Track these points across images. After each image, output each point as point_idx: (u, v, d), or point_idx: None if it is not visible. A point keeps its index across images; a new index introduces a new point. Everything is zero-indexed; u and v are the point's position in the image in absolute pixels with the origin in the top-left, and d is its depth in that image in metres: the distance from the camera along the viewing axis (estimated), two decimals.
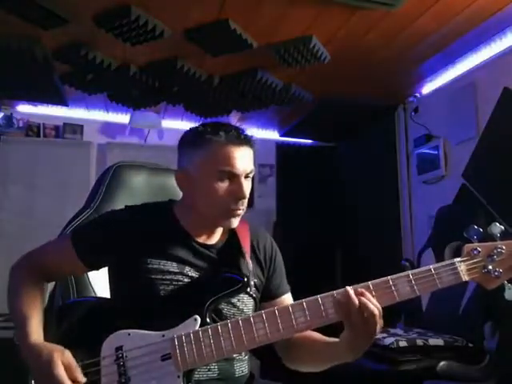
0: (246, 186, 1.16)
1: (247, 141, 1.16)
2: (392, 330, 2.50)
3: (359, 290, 1.02)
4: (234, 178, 1.14)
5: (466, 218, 2.46)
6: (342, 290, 1.03)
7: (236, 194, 1.14)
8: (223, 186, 1.14)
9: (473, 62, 2.85)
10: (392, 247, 3.57)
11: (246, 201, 1.17)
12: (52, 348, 1.03)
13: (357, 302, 1.00)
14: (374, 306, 1.00)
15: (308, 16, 2.34)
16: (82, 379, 1.02)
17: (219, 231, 1.24)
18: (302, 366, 1.24)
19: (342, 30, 2.48)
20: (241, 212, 1.17)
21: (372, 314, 0.99)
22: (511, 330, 2.27)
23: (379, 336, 2.33)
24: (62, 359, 1.01)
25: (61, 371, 0.99)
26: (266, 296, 1.27)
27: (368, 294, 1.01)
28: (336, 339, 1.11)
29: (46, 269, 1.20)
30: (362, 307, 0.99)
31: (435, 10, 2.27)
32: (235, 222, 1.18)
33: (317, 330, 1.13)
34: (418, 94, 3.41)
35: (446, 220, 2.76)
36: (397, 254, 3.50)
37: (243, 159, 1.14)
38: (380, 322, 1.00)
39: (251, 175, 1.18)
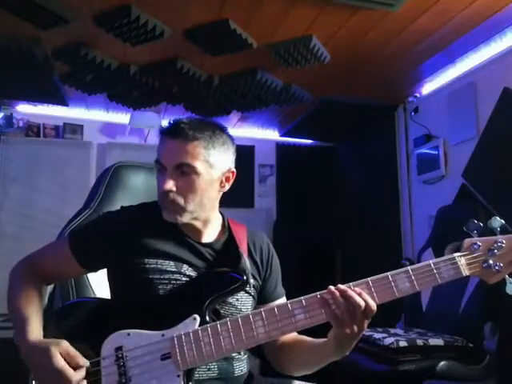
0: (170, 179, 1.13)
1: (177, 133, 1.14)
2: (392, 330, 2.50)
3: (341, 287, 1.01)
4: (163, 170, 1.16)
5: (466, 217, 2.46)
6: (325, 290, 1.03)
7: (159, 186, 1.17)
8: (159, 177, 1.18)
9: (473, 62, 2.85)
10: (392, 247, 3.56)
11: (175, 196, 1.13)
12: (47, 342, 1.03)
13: (338, 294, 1.00)
14: (360, 299, 0.99)
15: (308, 16, 2.34)
16: (85, 363, 1.02)
17: (212, 230, 1.24)
18: (292, 369, 1.24)
19: (342, 29, 2.48)
20: (168, 206, 1.15)
21: (358, 306, 0.99)
22: (511, 330, 2.27)
23: (379, 336, 2.33)
24: (60, 350, 1.00)
25: (60, 362, 0.99)
26: (261, 299, 1.27)
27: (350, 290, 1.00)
28: (324, 339, 1.11)
29: (44, 272, 1.20)
30: (348, 301, 0.99)
31: (435, 9, 2.26)
32: (168, 216, 1.16)
33: (304, 332, 1.13)
34: (417, 94, 3.41)
35: (446, 220, 2.76)
36: (397, 253, 3.50)
37: (168, 150, 1.15)
38: (367, 317, 1.00)
39: (188, 169, 1.13)
